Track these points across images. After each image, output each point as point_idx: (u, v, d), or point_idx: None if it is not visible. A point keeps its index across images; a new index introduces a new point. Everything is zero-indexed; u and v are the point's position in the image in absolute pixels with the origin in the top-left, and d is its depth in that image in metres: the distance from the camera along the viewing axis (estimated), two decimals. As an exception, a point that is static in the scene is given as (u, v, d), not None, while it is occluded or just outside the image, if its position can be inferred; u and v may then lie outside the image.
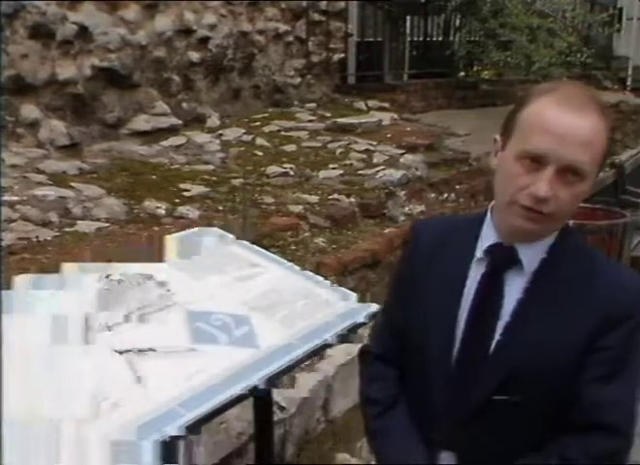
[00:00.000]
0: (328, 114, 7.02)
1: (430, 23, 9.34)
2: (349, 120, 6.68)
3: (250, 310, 1.70)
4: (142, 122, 5.59)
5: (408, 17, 9.10)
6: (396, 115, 7.29)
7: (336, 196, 4.76)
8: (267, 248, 2.44)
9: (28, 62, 4.74)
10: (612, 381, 1.55)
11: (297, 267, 2.00)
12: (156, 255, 1.86)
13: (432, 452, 1.67)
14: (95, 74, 5.20)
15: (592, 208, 5.56)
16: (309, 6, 7.61)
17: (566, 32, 9.08)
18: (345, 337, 1.78)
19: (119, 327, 1.54)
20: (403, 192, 5.14)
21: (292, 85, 7.52)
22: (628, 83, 12.19)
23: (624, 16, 12.67)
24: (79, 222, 3.70)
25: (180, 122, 5.88)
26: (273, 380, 1.53)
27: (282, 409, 2.88)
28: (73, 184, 4.20)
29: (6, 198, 3.63)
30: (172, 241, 1.96)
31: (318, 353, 1.60)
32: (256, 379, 1.48)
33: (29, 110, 4.77)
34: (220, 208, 4.20)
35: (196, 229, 2.14)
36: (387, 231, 4.64)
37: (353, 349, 2.07)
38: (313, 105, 7.46)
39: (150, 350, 1.47)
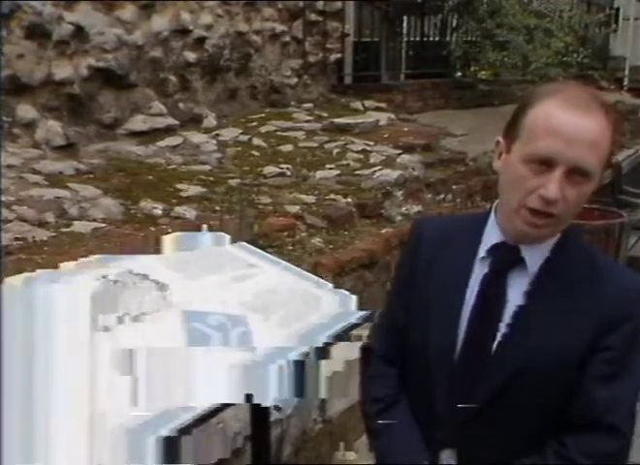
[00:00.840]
0: (325, 114, 7.01)
1: (426, 23, 9.33)
2: (346, 120, 6.68)
3: (247, 311, 1.69)
4: (138, 122, 5.58)
5: (405, 18, 9.09)
6: (392, 115, 7.29)
7: (332, 196, 4.76)
8: (263, 248, 2.44)
9: (24, 62, 4.73)
10: (613, 381, 1.55)
11: (294, 268, 1.99)
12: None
13: (433, 451, 1.68)
14: (91, 74, 5.19)
15: (589, 208, 5.55)
16: (306, 6, 7.61)
17: (563, 32, 9.07)
18: (342, 338, 1.77)
19: (115, 328, 1.54)
20: (400, 192, 5.14)
21: (289, 85, 7.52)
22: (625, 83, 12.20)
23: (621, 17, 12.67)
24: (75, 222, 3.70)
25: (177, 122, 5.88)
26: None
27: (279, 409, 2.88)
28: (69, 184, 4.20)
29: (2, 198, 3.62)
30: (168, 241, 1.95)
31: (315, 353, 1.59)
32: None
33: (25, 111, 4.76)
34: (217, 209, 4.19)
35: (192, 229, 2.14)
36: (384, 231, 4.64)
37: (350, 349, 2.06)
38: (310, 105, 7.45)
39: (146, 350, 1.47)
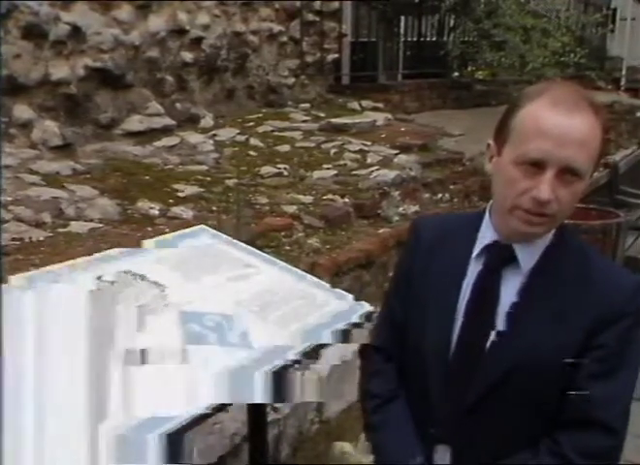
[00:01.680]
0: (322, 115, 7.01)
1: (424, 23, 9.35)
2: (343, 120, 6.68)
3: (244, 311, 1.69)
4: (135, 122, 5.57)
5: (402, 18, 9.11)
6: (390, 115, 7.29)
7: (330, 196, 4.76)
8: (261, 248, 2.44)
9: (21, 62, 4.72)
10: (607, 379, 1.56)
11: (291, 268, 2.00)
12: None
13: (428, 447, 1.69)
14: (88, 74, 5.19)
15: (586, 208, 5.56)
16: (303, 6, 7.61)
17: (560, 32, 9.08)
18: (340, 338, 1.77)
19: (112, 329, 1.54)
20: (397, 192, 5.14)
21: (286, 85, 7.51)
22: (622, 83, 12.22)
23: (618, 17, 12.70)
24: (72, 222, 3.69)
25: (174, 122, 5.87)
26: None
27: (276, 409, 2.88)
28: (66, 185, 4.19)
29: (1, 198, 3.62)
30: (165, 242, 1.95)
31: (313, 353, 1.59)
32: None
33: (22, 111, 4.76)
34: (214, 209, 4.19)
35: (189, 229, 2.13)
36: (381, 231, 4.63)
37: (348, 349, 2.07)
38: (307, 105, 7.45)
39: (143, 350, 1.46)
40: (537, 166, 1.48)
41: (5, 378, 1.18)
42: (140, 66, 5.69)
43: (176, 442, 1.29)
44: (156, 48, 5.84)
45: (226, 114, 6.61)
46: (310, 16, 7.76)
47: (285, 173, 5.14)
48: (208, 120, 6.27)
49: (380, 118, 7.01)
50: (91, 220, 3.78)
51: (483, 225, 1.67)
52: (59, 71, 4.97)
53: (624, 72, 12.34)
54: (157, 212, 4.03)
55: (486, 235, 1.65)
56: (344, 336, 1.72)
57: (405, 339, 1.74)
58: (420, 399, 1.70)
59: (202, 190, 4.53)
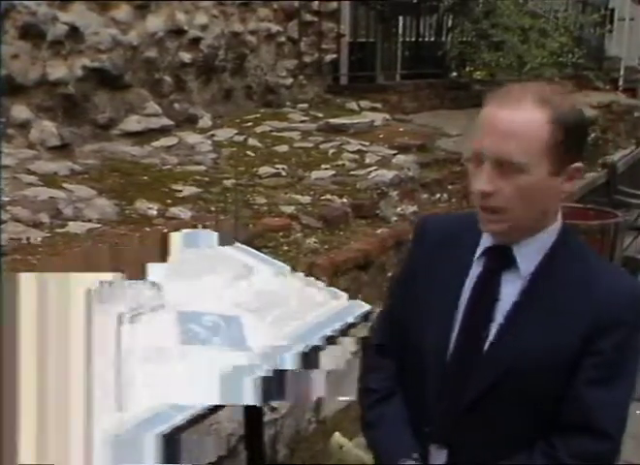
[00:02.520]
0: (320, 115, 7.01)
1: (422, 24, 9.34)
2: (341, 121, 6.68)
3: (242, 311, 1.69)
4: (133, 123, 5.57)
5: (401, 18, 9.11)
6: (388, 116, 7.29)
7: (328, 196, 4.76)
8: (259, 249, 2.43)
9: (19, 62, 4.72)
10: (603, 385, 1.55)
11: (289, 268, 1.99)
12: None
13: (423, 445, 1.69)
14: (86, 74, 5.18)
15: (585, 208, 5.56)
16: (302, 6, 7.61)
17: (558, 33, 9.09)
18: (337, 338, 1.77)
19: (111, 329, 1.54)
20: (396, 192, 5.14)
21: (284, 86, 7.51)
22: (620, 84, 12.22)
23: (616, 17, 12.70)
24: (70, 223, 3.69)
25: (172, 123, 5.87)
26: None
27: (273, 409, 2.88)
28: (64, 185, 4.19)
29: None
30: (163, 242, 1.94)
31: (311, 354, 1.59)
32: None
33: (20, 111, 4.75)
34: (212, 209, 4.19)
35: (188, 229, 2.13)
36: (379, 231, 4.64)
37: (347, 348, 2.06)
38: (305, 105, 7.45)
39: (141, 350, 1.46)
40: (479, 160, 1.51)
41: (5, 378, 1.17)
42: (138, 66, 5.69)
43: (172, 442, 1.29)
44: (154, 49, 5.83)
45: (224, 115, 6.61)
46: (308, 17, 7.76)
47: (283, 174, 5.14)
48: (206, 120, 6.26)
49: (378, 118, 7.01)
50: (89, 220, 3.77)
51: None
52: (57, 71, 4.96)
53: (622, 72, 12.33)
54: (155, 212, 4.03)
55: (488, 237, 1.66)
56: (342, 336, 1.72)
57: (405, 337, 1.74)
58: (417, 397, 1.70)
59: (200, 190, 4.52)
